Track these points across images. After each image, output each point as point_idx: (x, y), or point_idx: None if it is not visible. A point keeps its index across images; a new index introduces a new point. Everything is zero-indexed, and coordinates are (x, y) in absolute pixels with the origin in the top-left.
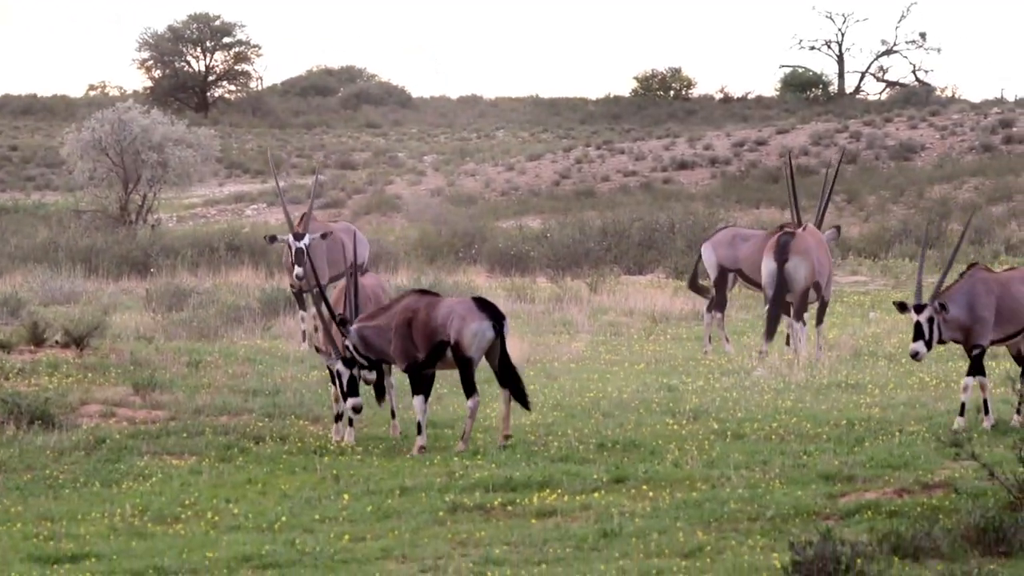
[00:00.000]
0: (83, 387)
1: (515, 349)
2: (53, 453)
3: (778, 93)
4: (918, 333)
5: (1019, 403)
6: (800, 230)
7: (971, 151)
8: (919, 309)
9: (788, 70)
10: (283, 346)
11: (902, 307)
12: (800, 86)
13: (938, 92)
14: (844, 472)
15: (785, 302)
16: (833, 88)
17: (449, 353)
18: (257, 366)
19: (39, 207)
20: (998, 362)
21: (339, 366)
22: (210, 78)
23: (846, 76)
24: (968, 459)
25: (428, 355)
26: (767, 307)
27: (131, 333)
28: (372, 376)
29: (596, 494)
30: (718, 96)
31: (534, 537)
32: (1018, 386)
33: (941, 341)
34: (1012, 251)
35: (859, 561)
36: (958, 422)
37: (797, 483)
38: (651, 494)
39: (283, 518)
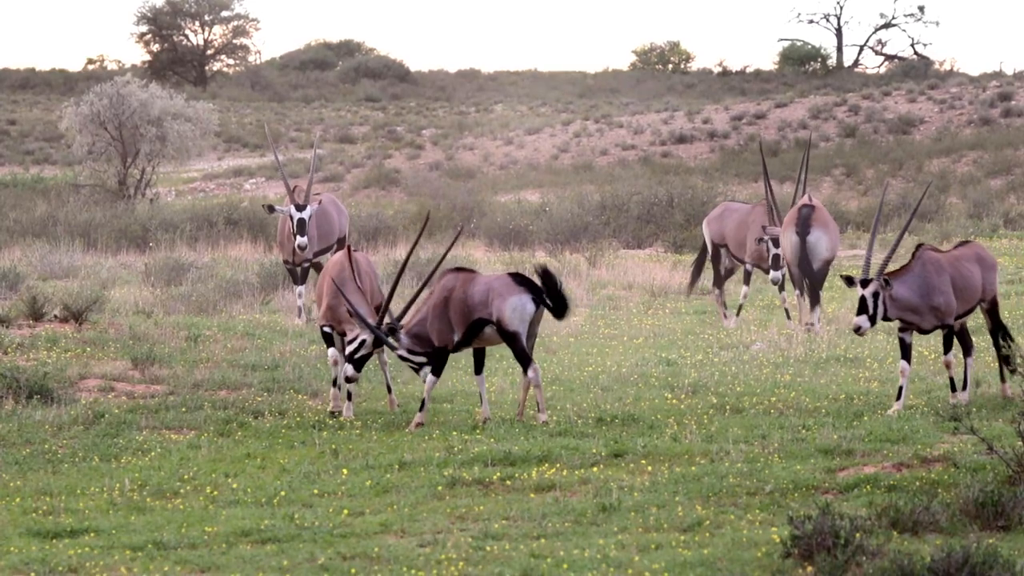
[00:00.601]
0: (82, 361)
1: None
2: (52, 427)
3: (777, 67)
4: (862, 307)
5: (1000, 371)
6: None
7: (970, 124)
8: (864, 283)
9: (787, 43)
10: (282, 320)
11: (849, 281)
12: (799, 59)
13: (937, 65)
14: (843, 446)
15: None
16: (832, 62)
17: (490, 330)
18: (256, 340)
19: (38, 181)
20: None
21: (365, 336)
22: (208, 52)
23: (844, 50)
24: (967, 433)
25: (465, 333)
26: (797, 282)
27: (130, 307)
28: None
29: (595, 468)
30: (717, 70)
31: (533, 511)
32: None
33: (887, 318)
34: (1011, 225)
35: (858, 535)
36: (958, 396)
37: (796, 457)
38: (650, 468)
39: (282, 493)
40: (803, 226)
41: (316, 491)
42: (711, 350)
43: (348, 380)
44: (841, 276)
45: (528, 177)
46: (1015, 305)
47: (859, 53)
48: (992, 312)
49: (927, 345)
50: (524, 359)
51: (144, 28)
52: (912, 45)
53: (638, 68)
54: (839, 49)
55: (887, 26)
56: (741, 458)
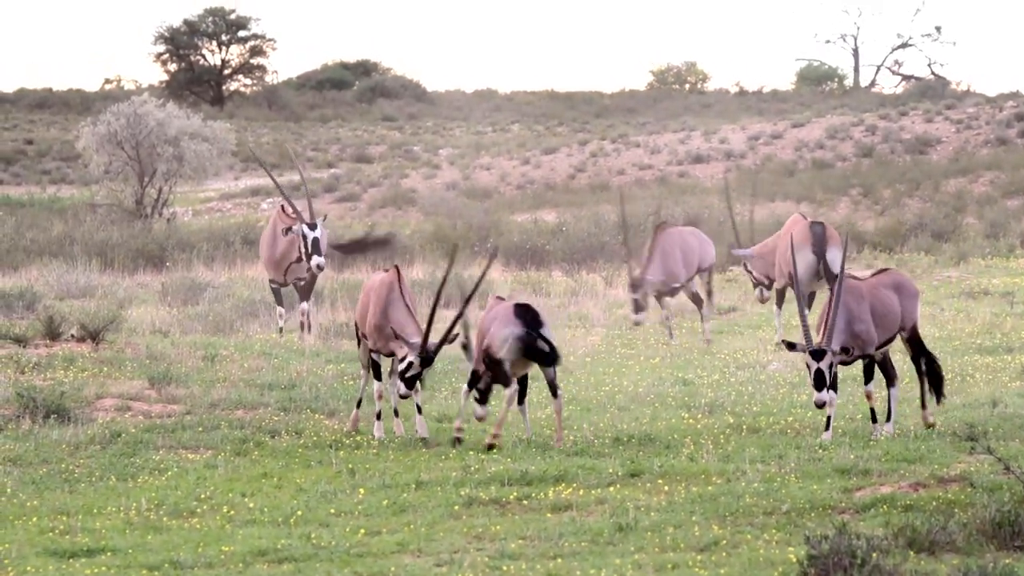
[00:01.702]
0: (99, 381)
1: None
2: (69, 447)
3: (794, 86)
4: (820, 381)
5: (922, 397)
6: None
7: (986, 144)
8: (818, 355)
9: (804, 63)
10: (298, 340)
11: (790, 347)
12: (816, 79)
13: (953, 86)
14: (859, 466)
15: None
16: (849, 82)
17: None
18: (272, 360)
19: (54, 201)
20: (1014, 356)
21: (413, 357)
22: (225, 72)
23: (861, 70)
24: (984, 453)
25: (480, 357)
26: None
27: (146, 327)
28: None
29: (611, 488)
30: (733, 90)
31: (549, 531)
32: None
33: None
34: None
35: (875, 555)
36: (877, 430)
37: (812, 477)
38: (666, 488)
39: (299, 512)
40: (819, 244)
41: (333, 511)
42: (728, 370)
43: (402, 397)
44: (783, 342)
45: (545, 197)
46: None
47: (876, 73)
48: (912, 341)
49: (944, 365)
50: (504, 381)
51: (161, 48)
52: (929, 65)
53: (655, 88)
54: (856, 69)
55: (904, 46)
56: (758, 478)
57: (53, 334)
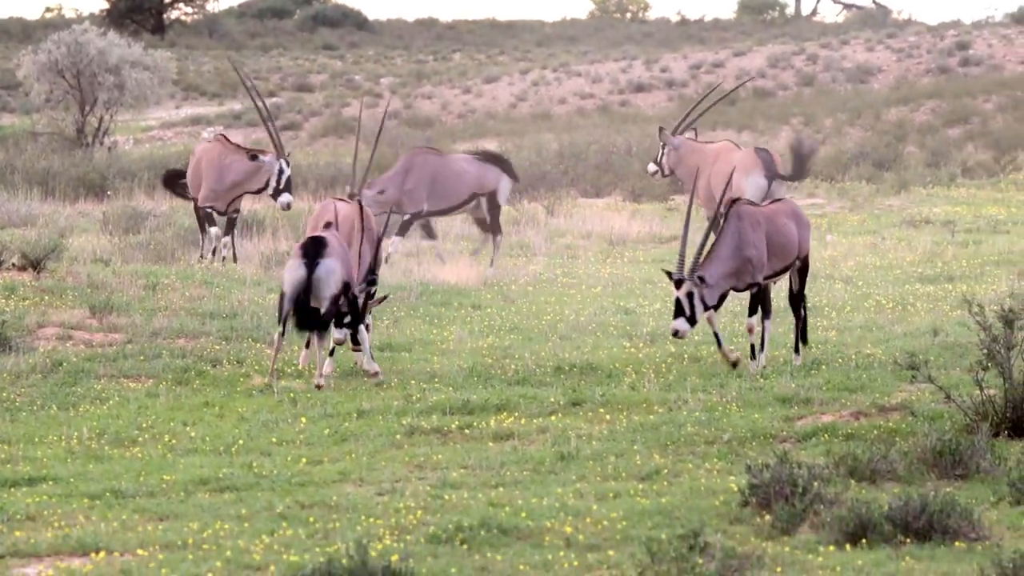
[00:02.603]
0: (40, 310)
1: (472, 271)
2: (10, 376)
3: (735, 16)
4: (678, 310)
5: (796, 341)
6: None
7: (928, 73)
8: (678, 284)
9: None
10: (240, 269)
11: (668, 275)
12: (757, 8)
13: (895, 15)
14: (801, 395)
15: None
16: (790, 11)
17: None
18: (214, 289)
19: None
20: (955, 284)
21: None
22: (166, 0)
23: None
24: (924, 382)
25: None
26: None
27: (88, 256)
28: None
29: (553, 417)
30: (675, 18)
31: (491, 460)
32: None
33: (707, 307)
34: (968, 174)
35: (816, 484)
36: (752, 365)
37: (754, 406)
38: (608, 417)
39: (240, 441)
40: (770, 170)
41: (274, 439)
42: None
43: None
44: (664, 270)
45: (486, 126)
46: (972, 254)
47: (817, 2)
48: (802, 272)
49: (885, 294)
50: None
51: None
52: None
53: (596, 17)
54: None
55: None
56: (699, 407)
57: None
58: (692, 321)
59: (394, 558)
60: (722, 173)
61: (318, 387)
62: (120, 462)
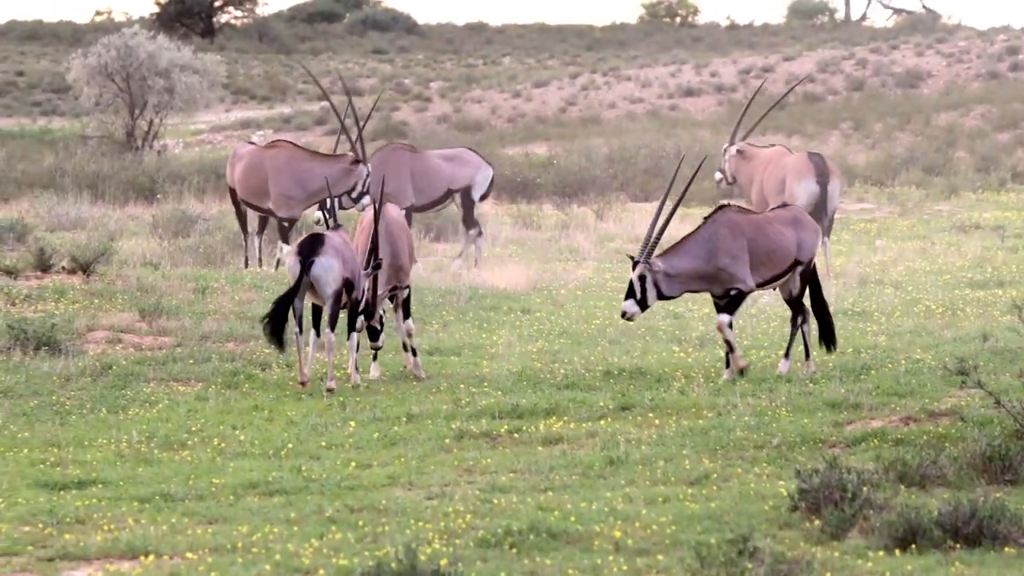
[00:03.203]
0: (90, 313)
1: (521, 276)
2: (60, 379)
3: (785, 20)
4: (629, 291)
5: (787, 347)
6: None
7: (977, 78)
8: (634, 266)
9: None
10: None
11: (631, 258)
12: (807, 13)
13: (944, 19)
14: (850, 400)
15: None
16: (839, 15)
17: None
18: (263, 293)
19: (45, 133)
20: (1004, 289)
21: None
22: (216, 3)
23: (852, 3)
24: (974, 387)
25: None
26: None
27: (137, 259)
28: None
29: (602, 421)
30: (725, 23)
31: (540, 464)
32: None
33: (665, 296)
34: (1018, 179)
35: (865, 489)
36: (736, 361)
37: (803, 411)
38: (657, 422)
39: (289, 445)
40: (822, 175)
41: (324, 443)
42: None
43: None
44: (628, 255)
45: (536, 130)
46: (1022, 259)
47: (867, 7)
48: (806, 278)
49: (934, 299)
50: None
51: None
52: None
53: (646, 21)
54: (847, 3)
55: None
56: (748, 412)
57: (44, 266)
58: (643, 305)
59: (443, 562)
60: (774, 178)
61: (329, 391)
62: (169, 465)
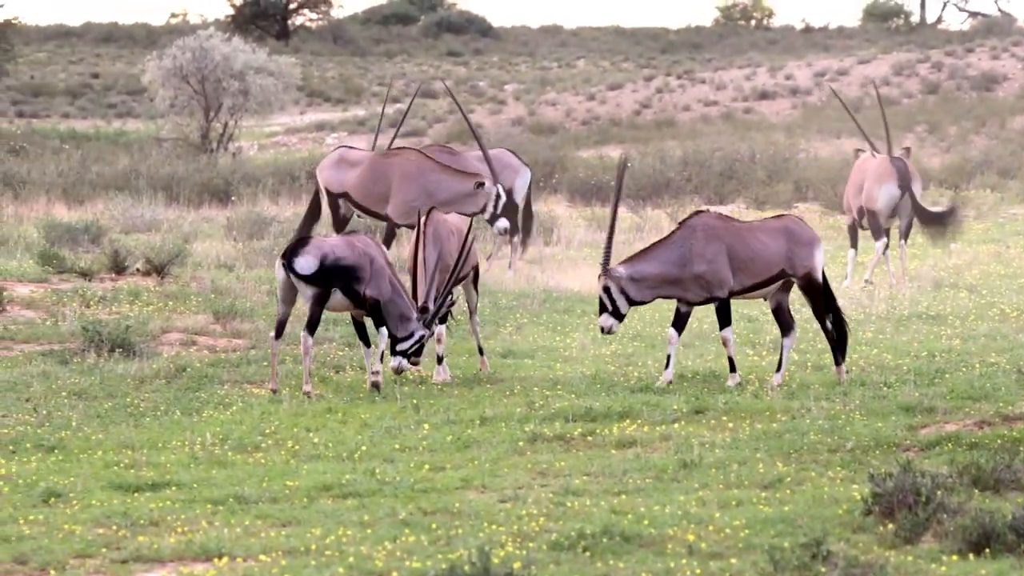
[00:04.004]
0: (164, 315)
1: (595, 279)
2: (134, 381)
3: (860, 23)
4: (601, 306)
5: (779, 362)
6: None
7: None
8: (599, 279)
9: (870, 0)
10: None
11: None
12: (882, 16)
13: (1020, 22)
14: (924, 404)
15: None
16: (915, 18)
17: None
18: None
19: (120, 135)
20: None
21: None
22: (291, 6)
23: (927, 6)
24: None
25: None
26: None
27: (212, 261)
28: None
29: (676, 425)
30: (799, 26)
31: (614, 467)
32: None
33: (636, 302)
34: None
35: (939, 493)
36: (732, 377)
37: (877, 415)
38: (731, 425)
39: (363, 447)
40: (904, 179)
41: (397, 446)
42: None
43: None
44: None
45: (610, 132)
46: None
47: (942, 9)
48: (808, 290)
49: (1009, 303)
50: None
51: None
52: (995, 1)
53: (720, 24)
54: (922, 6)
55: None
56: (822, 415)
57: (119, 268)
58: (617, 315)
59: (516, 565)
60: (856, 182)
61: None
62: (243, 468)
